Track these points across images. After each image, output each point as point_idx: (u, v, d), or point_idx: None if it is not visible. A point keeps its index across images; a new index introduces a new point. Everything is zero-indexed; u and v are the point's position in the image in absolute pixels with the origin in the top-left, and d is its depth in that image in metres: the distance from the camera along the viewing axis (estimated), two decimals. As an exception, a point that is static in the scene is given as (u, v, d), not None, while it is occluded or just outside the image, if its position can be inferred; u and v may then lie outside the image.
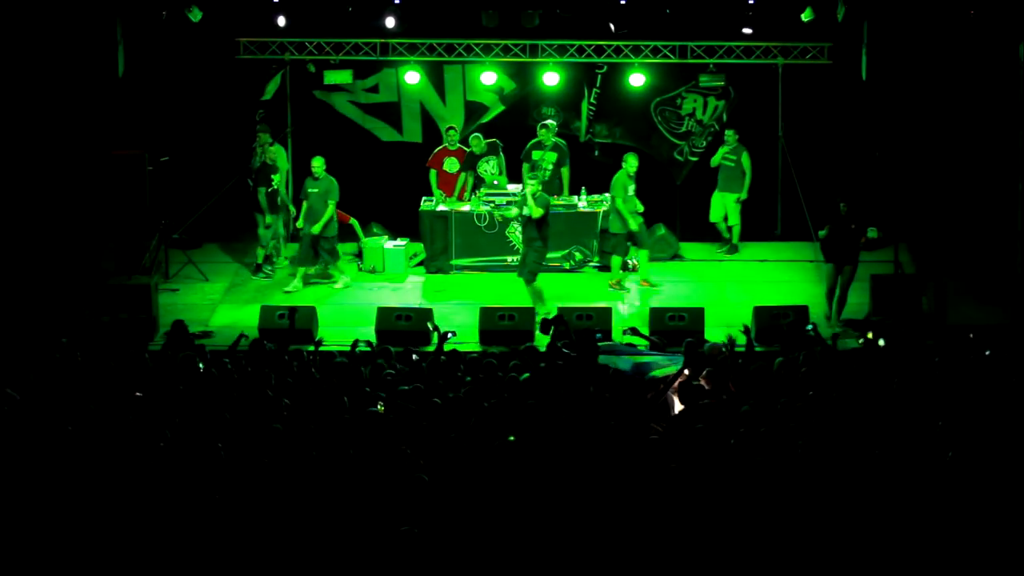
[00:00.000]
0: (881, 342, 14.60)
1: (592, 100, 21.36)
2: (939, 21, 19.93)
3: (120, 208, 18.92)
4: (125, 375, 13.99)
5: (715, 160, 20.60)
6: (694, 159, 21.32)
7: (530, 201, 17.97)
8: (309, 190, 19.40)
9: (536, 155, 20.40)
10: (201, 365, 14.11)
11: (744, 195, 20.57)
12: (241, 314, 18.53)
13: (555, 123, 20.60)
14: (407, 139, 21.59)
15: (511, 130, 21.15)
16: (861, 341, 16.14)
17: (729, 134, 20.57)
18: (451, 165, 20.50)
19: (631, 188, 19.08)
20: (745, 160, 20.50)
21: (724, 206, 20.68)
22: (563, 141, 20.61)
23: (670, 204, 21.27)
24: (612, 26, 20.68)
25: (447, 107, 21.58)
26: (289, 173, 20.79)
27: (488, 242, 19.96)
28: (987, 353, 14.21)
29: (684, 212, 21.27)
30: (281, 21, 20.71)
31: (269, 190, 19.89)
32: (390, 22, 20.81)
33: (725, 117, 21.14)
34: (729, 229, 20.78)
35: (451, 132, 20.73)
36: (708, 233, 21.02)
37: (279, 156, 20.35)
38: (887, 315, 17.52)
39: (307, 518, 10.59)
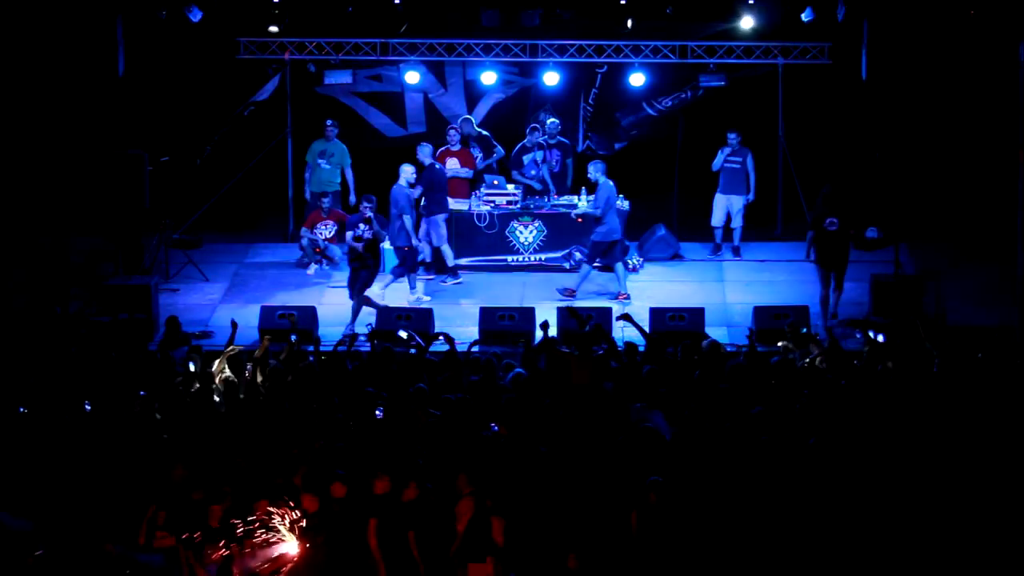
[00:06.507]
0: (880, 338, 14.61)
1: (589, 102, 21.37)
2: (939, 21, 19.93)
3: (120, 208, 18.92)
4: (125, 374, 14.02)
5: (716, 163, 20.44)
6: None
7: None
8: None
9: (526, 159, 20.39)
10: (192, 366, 14.14)
11: (752, 197, 20.46)
12: (242, 313, 18.49)
13: (552, 121, 20.52)
14: (412, 132, 21.56)
15: (508, 132, 21.19)
16: (859, 338, 16.20)
17: (731, 136, 20.43)
18: (453, 165, 20.37)
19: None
20: (749, 162, 20.38)
21: (727, 208, 20.54)
22: (566, 140, 20.59)
23: (670, 204, 21.27)
24: (630, 22, 20.58)
25: (449, 93, 21.57)
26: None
27: (488, 242, 19.95)
28: (984, 354, 14.22)
29: (684, 212, 21.25)
30: (274, 28, 20.71)
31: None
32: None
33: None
34: (732, 231, 20.64)
35: (451, 131, 20.59)
36: (708, 234, 20.97)
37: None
38: (888, 316, 17.52)
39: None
